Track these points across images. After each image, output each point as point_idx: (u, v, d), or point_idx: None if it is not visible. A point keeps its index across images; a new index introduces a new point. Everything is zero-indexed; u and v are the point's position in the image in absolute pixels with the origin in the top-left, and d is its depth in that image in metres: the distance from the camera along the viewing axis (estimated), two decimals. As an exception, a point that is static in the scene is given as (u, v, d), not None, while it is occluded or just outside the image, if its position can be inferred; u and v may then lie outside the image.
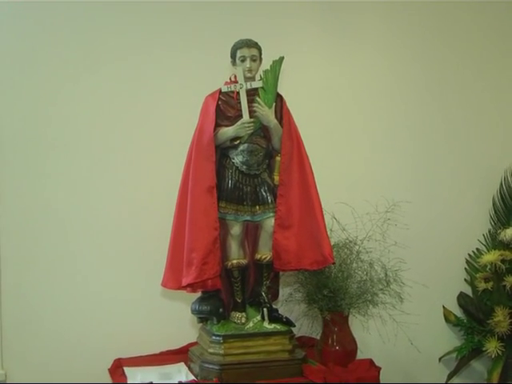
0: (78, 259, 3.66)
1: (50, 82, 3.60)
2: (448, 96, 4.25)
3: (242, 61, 3.31)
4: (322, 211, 3.33)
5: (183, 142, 3.40)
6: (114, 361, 3.49)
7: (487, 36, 4.29)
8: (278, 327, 3.31)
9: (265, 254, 3.38)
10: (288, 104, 3.42)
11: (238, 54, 3.32)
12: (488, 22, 4.30)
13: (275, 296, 3.51)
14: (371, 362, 3.48)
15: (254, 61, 3.31)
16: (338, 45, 4.07)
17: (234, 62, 3.37)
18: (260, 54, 3.36)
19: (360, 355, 3.53)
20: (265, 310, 3.32)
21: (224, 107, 3.35)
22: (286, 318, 3.39)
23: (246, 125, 3.28)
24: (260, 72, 3.35)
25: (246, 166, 3.35)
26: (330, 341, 3.49)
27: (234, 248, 3.36)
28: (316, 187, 3.40)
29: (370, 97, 4.13)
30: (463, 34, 4.24)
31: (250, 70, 3.30)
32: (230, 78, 3.36)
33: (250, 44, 3.32)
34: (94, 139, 3.70)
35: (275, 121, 3.34)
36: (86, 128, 3.68)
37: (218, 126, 3.29)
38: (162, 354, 3.61)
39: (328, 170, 3.79)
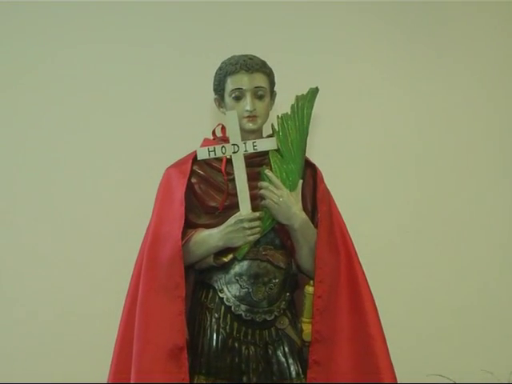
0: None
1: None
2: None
3: (237, 99, 2.26)
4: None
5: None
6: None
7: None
8: None
9: None
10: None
11: (230, 85, 2.27)
12: None
13: None
14: None
15: (260, 98, 2.27)
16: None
17: (220, 101, 2.35)
18: (271, 83, 2.33)
19: None
20: None
21: (202, 190, 2.31)
22: None
23: (246, 224, 2.21)
24: (272, 120, 2.32)
25: (247, 304, 2.26)
26: None
27: None
28: (386, 344, 2.26)
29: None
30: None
31: (252, 117, 2.26)
32: (214, 132, 2.38)
33: (251, 66, 2.26)
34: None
35: (303, 215, 2.26)
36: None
37: (189, 226, 2.28)
38: None
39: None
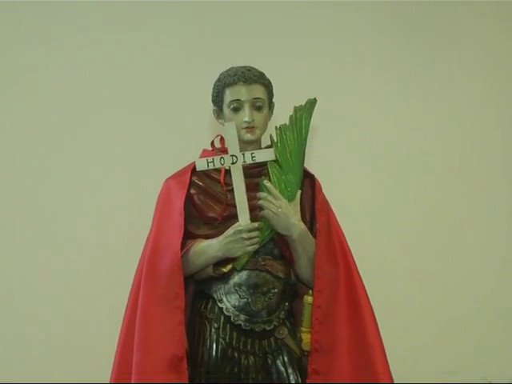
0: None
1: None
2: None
3: (236, 110, 2.22)
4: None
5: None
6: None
7: None
8: None
9: None
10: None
11: (228, 96, 2.23)
12: None
13: None
14: None
15: (259, 109, 2.23)
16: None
17: (218, 112, 2.30)
18: (269, 94, 2.28)
19: None
20: None
21: (201, 200, 2.26)
22: None
23: (245, 235, 2.16)
24: (271, 131, 2.28)
25: (246, 314, 2.21)
26: None
27: None
28: (384, 354, 2.20)
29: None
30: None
31: (250, 128, 2.23)
32: (213, 143, 2.34)
33: (249, 77, 2.21)
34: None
35: (302, 226, 2.20)
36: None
37: (188, 237, 2.22)
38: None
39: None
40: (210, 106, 2.28)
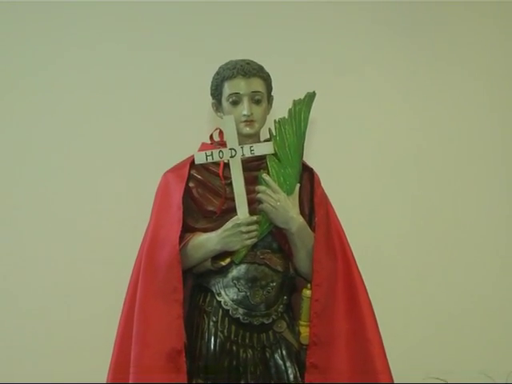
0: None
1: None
2: None
3: (234, 103, 2.18)
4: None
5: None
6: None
7: None
8: None
9: None
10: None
11: (227, 89, 2.19)
12: None
13: None
14: None
15: (258, 102, 2.19)
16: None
17: (217, 106, 2.26)
18: (268, 87, 2.24)
19: None
20: None
21: (200, 194, 2.22)
22: None
23: (244, 228, 2.12)
24: (270, 125, 2.24)
25: (245, 308, 2.18)
26: None
27: None
28: (383, 348, 2.17)
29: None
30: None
31: (249, 122, 2.19)
32: (212, 137, 2.30)
33: (248, 71, 2.18)
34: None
35: (300, 219, 2.17)
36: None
37: (187, 230, 2.18)
38: None
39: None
40: (209, 100, 2.22)
